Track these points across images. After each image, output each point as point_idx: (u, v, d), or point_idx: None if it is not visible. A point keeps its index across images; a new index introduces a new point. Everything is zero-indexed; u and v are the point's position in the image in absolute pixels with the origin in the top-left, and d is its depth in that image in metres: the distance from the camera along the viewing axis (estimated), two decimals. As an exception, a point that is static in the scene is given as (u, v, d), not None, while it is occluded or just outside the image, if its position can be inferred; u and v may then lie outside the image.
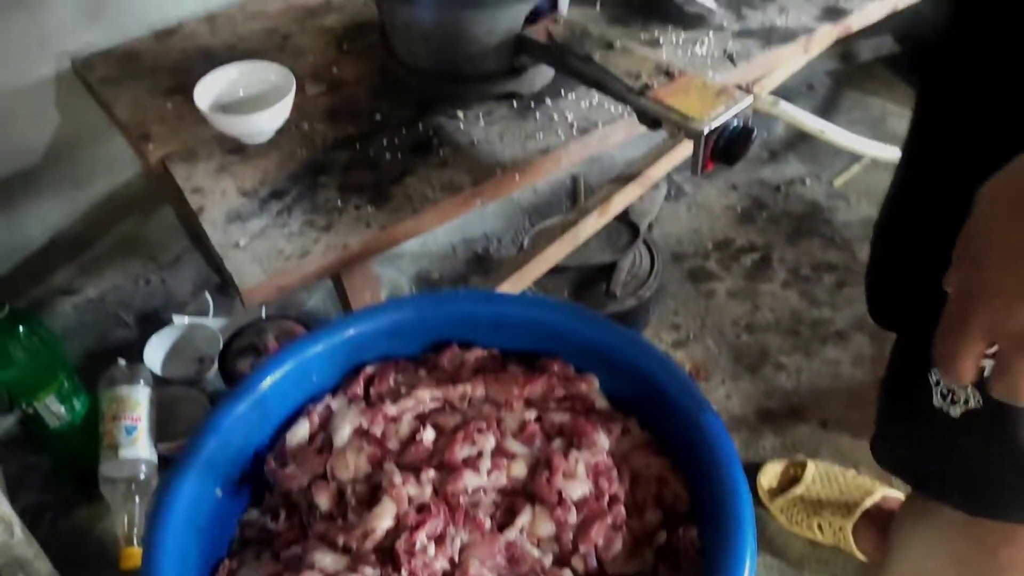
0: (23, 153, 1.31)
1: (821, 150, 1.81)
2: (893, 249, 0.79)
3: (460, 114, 1.13)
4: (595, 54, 1.04)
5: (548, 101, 1.15)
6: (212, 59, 1.19)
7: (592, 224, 1.31)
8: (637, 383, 0.80)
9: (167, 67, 1.22)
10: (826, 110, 1.94)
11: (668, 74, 1.00)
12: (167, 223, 1.50)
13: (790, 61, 1.28)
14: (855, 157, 1.78)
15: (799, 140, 1.86)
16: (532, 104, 1.14)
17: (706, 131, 0.93)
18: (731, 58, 1.20)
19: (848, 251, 1.64)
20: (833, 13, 1.27)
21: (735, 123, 0.96)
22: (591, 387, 0.82)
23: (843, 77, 2.02)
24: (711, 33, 1.24)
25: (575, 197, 1.78)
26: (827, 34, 1.26)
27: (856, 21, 1.28)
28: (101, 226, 1.45)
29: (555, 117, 1.12)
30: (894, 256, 0.79)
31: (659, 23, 1.26)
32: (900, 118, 1.90)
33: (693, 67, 1.19)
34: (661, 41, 1.24)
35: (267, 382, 0.79)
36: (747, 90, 1.12)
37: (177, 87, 1.17)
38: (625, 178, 1.31)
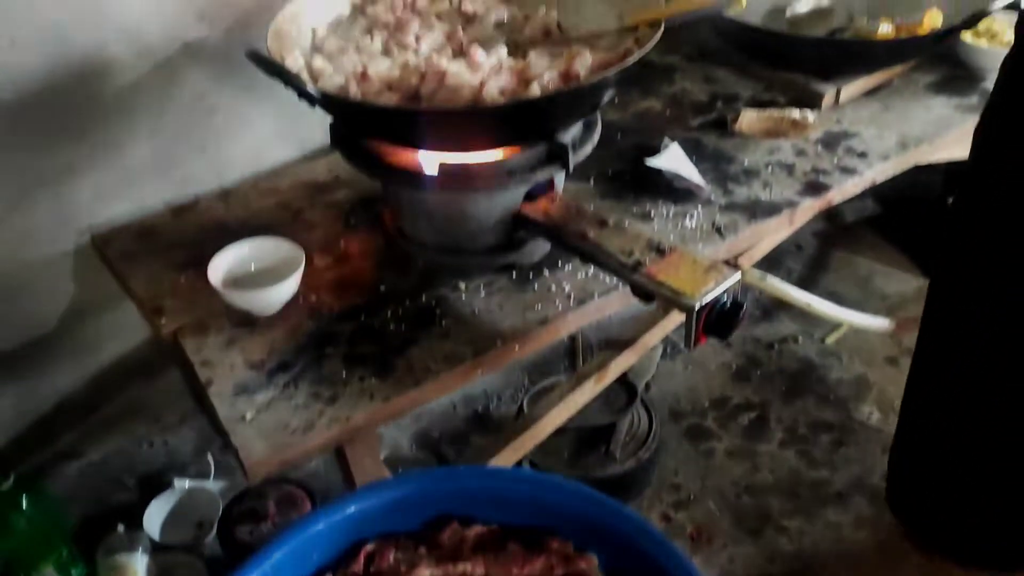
0: (40, 322, 1.35)
1: (812, 309, 1.87)
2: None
3: (462, 285, 1.18)
4: (590, 232, 1.10)
5: (546, 272, 1.20)
6: (226, 233, 1.26)
7: (589, 390, 1.34)
8: (636, 562, 0.80)
9: (182, 241, 1.28)
10: (814, 269, 2.01)
11: (659, 250, 1.06)
12: (172, 386, 1.53)
13: (776, 233, 1.34)
14: (846, 316, 1.83)
15: (790, 298, 1.92)
16: (531, 275, 1.20)
17: (697, 307, 0.97)
18: (719, 231, 1.26)
19: (843, 410, 1.66)
20: (815, 188, 1.34)
21: (725, 298, 1.00)
22: (591, 566, 0.82)
23: (829, 237, 2.10)
24: (700, 207, 1.31)
25: (573, 354, 1.82)
26: (809, 207, 1.33)
27: (837, 196, 1.35)
28: (109, 390, 1.48)
29: (553, 288, 1.17)
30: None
31: (650, 198, 1.33)
32: (886, 277, 1.97)
33: (683, 240, 1.25)
34: (652, 214, 1.30)
35: (269, 563, 0.79)
36: (735, 265, 1.18)
37: (191, 261, 1.22)
38: (621, 344, 1.34)
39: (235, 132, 1.41)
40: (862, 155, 1.41)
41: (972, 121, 1.49)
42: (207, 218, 1.33)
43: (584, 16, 1.26)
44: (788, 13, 1.68)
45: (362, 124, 1.10)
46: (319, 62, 1.12)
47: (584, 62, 1.05)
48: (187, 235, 1.29)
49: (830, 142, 1.45)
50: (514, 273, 1.20)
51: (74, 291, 1.36)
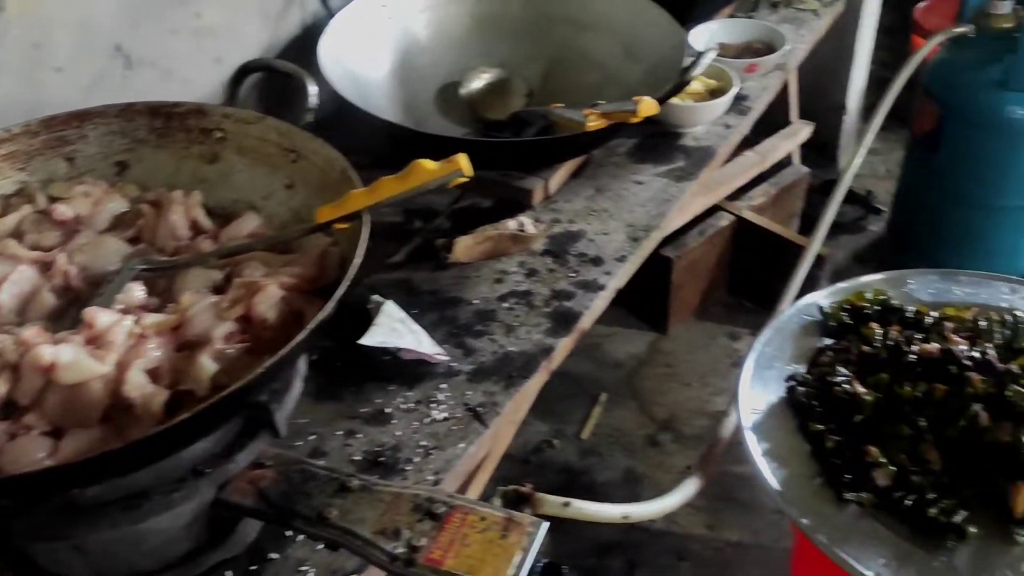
0: None
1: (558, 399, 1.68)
2: None
3: (155, 623, 0.80)
4: (330, 511, 0.78)
5: (273, 555, 0.86)
6: None
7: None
8: None
9: None
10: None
11: (432, 515, 0.77)
12: None
13: (535, 391, 1.11)
14: (594, 400, 1.67)
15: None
16: (256, 566, 0.85)
17: (513, 596, 0.71)
18: (478, 416, 1.00)
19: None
20: (564, 320, 1.12)
21: (538, 564, 0.75)
22: None
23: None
24: (443, 384, 1.04)
25: None
26: (564, 348, 1.11)
27: (587, 321, 1.15)
28: None
29: (291, 582, 0.84)
30: None
31: (376, 386, 1.03)
32: (612, 339, 1.84)
33: (438, 441, 0.97)
34: (387, 410, 1.00)
35: None
36: (527, 493, 0.93)
37: None
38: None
39: None
40: (596, 261, 1.22)
41: (688, 191, 1.38)
42: None
43: (238, 186, 0.92)
44: (463, 91, 1.44)
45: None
46: None
47: (270, 298, 0.72)
48: None
49: (558, 251, 1.24)
50: (231, 573, 0.85)
51: None
